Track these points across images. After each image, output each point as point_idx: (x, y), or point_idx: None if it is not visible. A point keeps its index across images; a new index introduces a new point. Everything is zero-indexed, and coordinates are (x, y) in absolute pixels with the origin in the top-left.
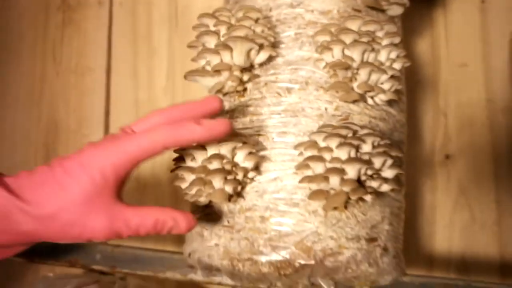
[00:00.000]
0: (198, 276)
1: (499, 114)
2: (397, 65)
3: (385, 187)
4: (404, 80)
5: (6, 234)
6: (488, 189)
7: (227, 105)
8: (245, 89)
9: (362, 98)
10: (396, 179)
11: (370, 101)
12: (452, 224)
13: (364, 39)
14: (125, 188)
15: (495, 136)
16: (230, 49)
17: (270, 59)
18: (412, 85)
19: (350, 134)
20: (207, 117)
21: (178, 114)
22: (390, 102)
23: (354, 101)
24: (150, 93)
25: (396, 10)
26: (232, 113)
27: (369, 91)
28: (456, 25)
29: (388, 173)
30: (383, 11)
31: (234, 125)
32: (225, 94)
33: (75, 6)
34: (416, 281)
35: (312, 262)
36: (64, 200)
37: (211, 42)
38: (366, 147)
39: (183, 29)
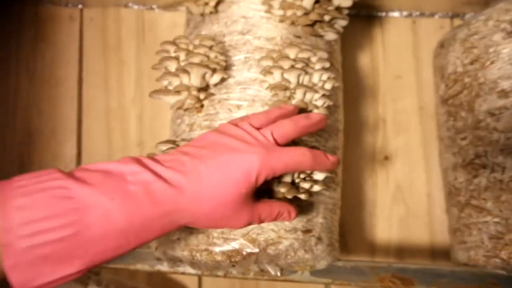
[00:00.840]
0: (164, 267)
1: (430, 120)
2: (328, 85)
3: (316, 188)
4: (341, 94)
5: (166, 231)
6: (420, 185)
7: (187, 119)
8: (202, 106)
9: (301, 112)
10: (326, 181)
11: None
12: (391, 216)
13: (299, 65)
14: None
15: (426, 139)
16: (188, 73)
17: (223, 80)
18: (356, 94)
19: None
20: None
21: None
22: (327, 115)
23: None
24: (120, 102)
25: (331, 36)
26: (191, 126)
27: (304, 108)
28: (392, 42)
29: (319, 176)
30: (321, 36)
31: (193, 137)
32: (185, 110)
33: (46, 21)
34: (347, 265)
35: (257, 250)
36: (224, 197)
37: (172, 66)
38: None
39: (150, 43)
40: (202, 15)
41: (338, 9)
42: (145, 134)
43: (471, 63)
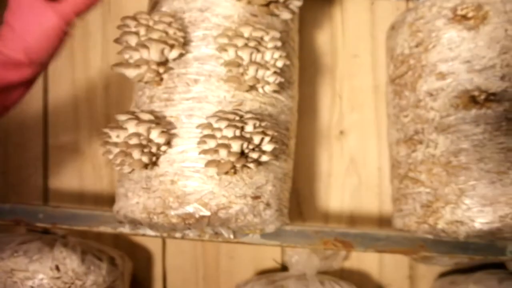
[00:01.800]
0: (126, 229)
1: (383, 97)
2: (279, 63)
3: (264, 158)
4: (296, 71)
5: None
6: (372, 158)
7: (147, 92)
8: (161, 79)
9: (254, 88)
10: (275, 152)
11: (260, 90)
12: (344, 187)
13: (252, 44)
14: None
15: (379, 116)
16: (147, 48)
17: (181, 55)
18: (313, 71)
19: (237, 118)
20: None
21: None
22: (278, 91)
23: (247, 91)
24: (86, 72)
25: (286, 15)
26: (151, 98)
27: (257, 84)
28: (351, 21)
29: (267, 147)
30: (276, 15)
31: (153, 108)
32: (146, 83)
33: None
34: (294, 229)
35: (209, 213)
36: None
37: (132, 40)
38: (249, 128)
39: (115, 14)
40: None
41: None
42: (111, 104)
43: (416, 46)
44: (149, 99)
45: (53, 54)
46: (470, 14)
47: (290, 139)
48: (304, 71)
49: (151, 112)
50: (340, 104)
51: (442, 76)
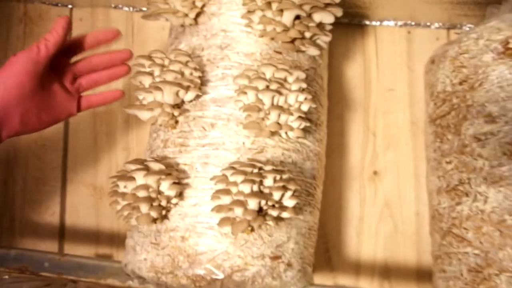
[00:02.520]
0: (135, 284)
1: (421, 135)
2: (304, 107)
3: (285, 215)
4: (325, 111)
5: None
6: (409, 202)
7: (162, 135)
8: (177, 122)
9: (276, 133)
10: (297, 207)
11: (284, 135)
12: (377, 233)
13: (274, 86)
14: None
15: (416, 155)
16: (161, 90)
17: (198, 97)
18: (343, 106)
19: (255, 171)
20: None
21: None
22: (304, 136)
23: (268, 137)
24: (107, 105)
25: (313, 51)
26: (165, 142)
27: (280, 129)
28: (386, 52)
29: (289, 202)
30: (303, 51)
31: (166, 154)
32: (160, 125)
33: (36, 19)
34: None
35: (222, 276)
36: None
37: (146, 81)
38: (268, 182)
39: (139, 45)
40: (183, 26)
41: (320, 25)
42: (131, 138)
43: (460, 83)
44: (163, 143)
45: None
46: None
47: (316, 188)
48: (333, 107)
49: (164, 158)
50: (374, 142)
51: (491, 118)
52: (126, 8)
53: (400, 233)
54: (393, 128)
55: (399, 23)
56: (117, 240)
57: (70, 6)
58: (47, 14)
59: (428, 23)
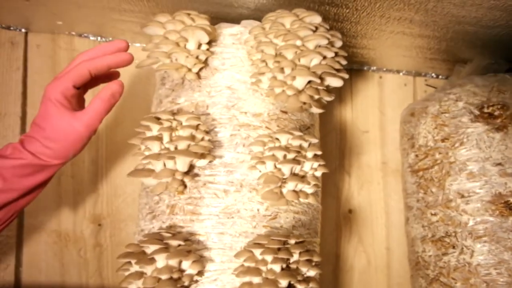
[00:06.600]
0: None
1: (391, 174)
2: (318, 173)
3: (311, 285)
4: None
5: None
6: (380, 238)
7: (167, 199)
8: (185, 187)
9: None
10: (317, 277)
11: (295, 201)
12: (352, 267)
13: (291, 155)
14: None
15: (387, 193)
16: (174, 159)
17: (210, 161)
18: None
19: (282, 247)
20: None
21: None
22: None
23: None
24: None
25: (316, 110)
26: (172, 209)
27: (296, 198)
28: (360, 96)
29: (311, 273)
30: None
31: (175, 222)
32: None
33: None
34: None
35: None
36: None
37: (154, 147)
38: (295, 257)
39: None
40: (182, 78)
41: (327, 87)
42: (99, 180)
43: (442, 140)
44: (169, 209)
45: (76, 154)
46: (496, 113)
47: (319, 243)
48: None
49: (173, 226)
50: (348, 181)
51: (473, 176)
52: (93, 38)
53: (373, 267)
54: (366, 168)
55: (373, 68)
56: None
57: (24, 30)
58: None
59: (398, 70)
